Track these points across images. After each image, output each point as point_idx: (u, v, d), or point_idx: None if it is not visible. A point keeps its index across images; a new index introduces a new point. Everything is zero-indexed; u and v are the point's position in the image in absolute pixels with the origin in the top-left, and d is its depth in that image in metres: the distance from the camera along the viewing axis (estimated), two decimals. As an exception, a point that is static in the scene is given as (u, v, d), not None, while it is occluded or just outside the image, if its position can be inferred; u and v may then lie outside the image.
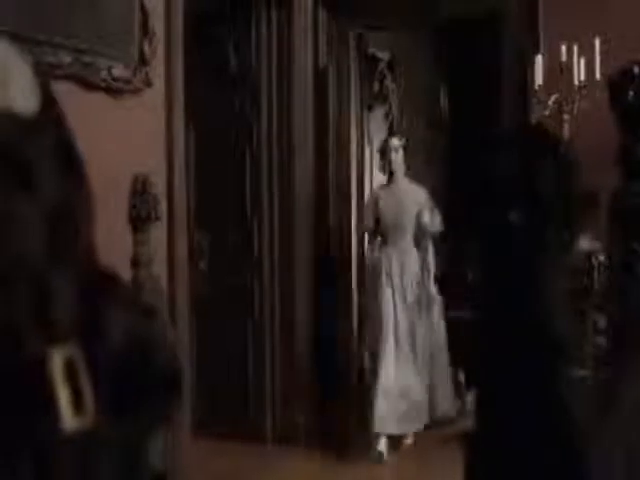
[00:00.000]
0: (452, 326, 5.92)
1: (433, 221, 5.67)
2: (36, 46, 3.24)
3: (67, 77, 3.45)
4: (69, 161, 1.25)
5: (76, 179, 1.24)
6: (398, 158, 5.50)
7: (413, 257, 5.79)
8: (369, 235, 5.97)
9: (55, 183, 1.17)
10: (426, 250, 5.82)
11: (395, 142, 5.44)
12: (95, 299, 1.29)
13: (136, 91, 3.90)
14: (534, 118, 5.06)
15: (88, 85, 3.62)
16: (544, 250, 4.45)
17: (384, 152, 5.59)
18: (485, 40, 5.78)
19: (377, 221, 5.69)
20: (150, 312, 1.53)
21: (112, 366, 1.38)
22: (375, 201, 5.66)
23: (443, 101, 7.18)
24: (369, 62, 6.22)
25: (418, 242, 5.78)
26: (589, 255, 4.82)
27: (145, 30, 3.93)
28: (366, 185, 6.28)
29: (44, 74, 1.27)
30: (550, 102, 5.01)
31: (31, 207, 1.11)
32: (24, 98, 1.20)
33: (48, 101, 1.26)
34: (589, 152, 4.73)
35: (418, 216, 5.62)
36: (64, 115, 1.31)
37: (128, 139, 3.85)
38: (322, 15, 5.75)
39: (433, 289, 5.94)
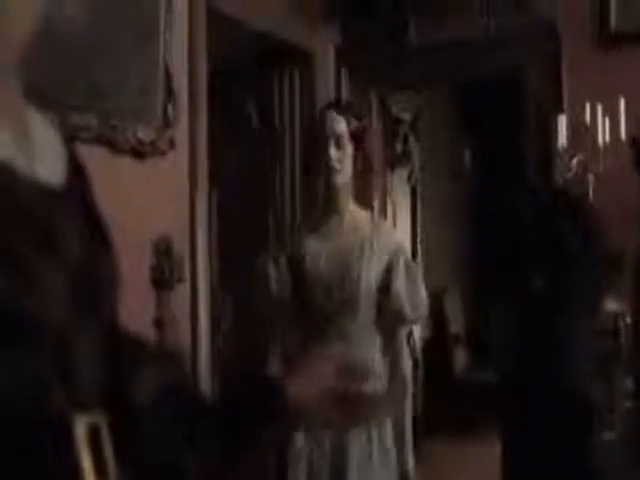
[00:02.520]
0: (477, 389, 5.85)
1: (414, 298, 3.25)
2: (62, 109, 3.26)
3: (92, 140, 3.47)
4: (94, 226, 1.25)
5: (101, 243, 1.25)
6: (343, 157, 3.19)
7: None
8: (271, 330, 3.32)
9: (80, 248, 1.17)
10: (398, 367, 3.21)
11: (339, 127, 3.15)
12: (119, 361, 1.29)
13: (160, 153, 3.91)
14: (558, 179, 5.04)
15: (113, 147, 3.64)
16: (570, 312, 4.41)
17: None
18: (508, 99, 5.78)
19: (295, 294, 3.24)
20: (175, 371, 1.52)
21: (138, 427, 1.38)
22: (292, 258, 3.27)
23: (466, 161, 7.18)
24: (392, 123, 6.23)
25: (387, 343, 3.23)
26: (616, 317, 4.77)
27: (169, 92, 3.95)
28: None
29: (71, 139, 1.28)
30: (574, 162, 4.99)
31: (56, 271, 1.11)
32: (51, 167, 1.21)
33: (75, 168, 1.27)
34: (614, 213, 4.71)
35: (384, 286, 3.20)
36: (90, 180, 1.32)
37: (152, 200, 3.86)
38: (344, 76, 5.78)
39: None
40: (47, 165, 1.19)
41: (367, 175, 3.36)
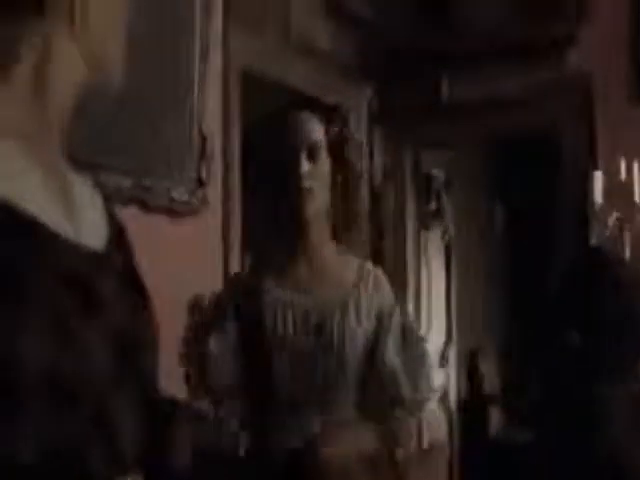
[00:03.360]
0: (513, 450, 5.76)
1: (414, 374, 2.41)
2: (97, 169, 3.27)
3: (126, 200, 3.48)
4: (134, 288, 1.26)
5: (141, 306, 1.26)
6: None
7: None
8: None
9: (121, 311, 1.18)
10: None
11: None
12: (156, 423, 1.29)
13: (194, 212, 3.92)
14: (594, 238, 4.99)
15: (146, 207, 3.65)
16: (605, 375, 4.34)
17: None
18: (542, 156, 5.77)
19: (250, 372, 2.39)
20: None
21: None
22: (244, 317, 2.43)
23: (500, 218, 7.15)
24: (425, 180, 6.22)
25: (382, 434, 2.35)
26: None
27: (203, 152, 3.96)
28: (422, 310, 6.16)
29: (106, 200, 1.30)
30: (610, 221, 4.95)
31: (98, 334, 1.11)
32: (93, 230, 1.22)
33: (116, 229, 1.28)
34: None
35: (372, 357, 2.40)
36: (131, 242, 1.33)
37: (185, 260, 3.86)
38: (377, 133, 5.79)
39: None
40: (89, 228, 1.20)
41: (351, 201, 2.56)
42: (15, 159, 1.11)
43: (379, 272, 2.55)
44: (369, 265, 2.57)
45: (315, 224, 2.44)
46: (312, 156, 2.43)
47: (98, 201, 1.30)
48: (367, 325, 2.40)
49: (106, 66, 1.23)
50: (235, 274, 2.84)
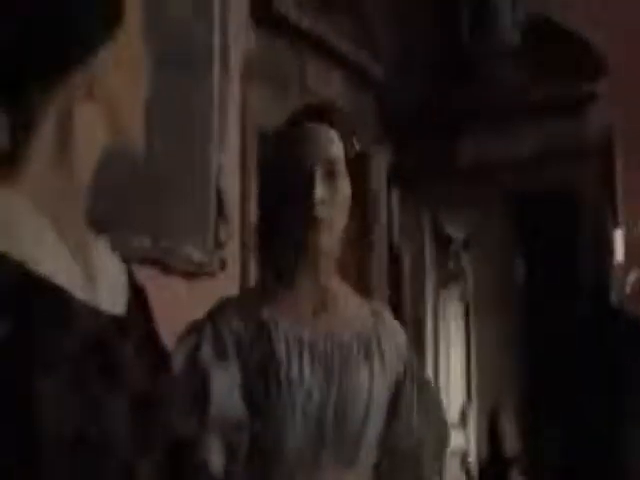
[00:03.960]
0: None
1: (434, 437, 2.17)
2: (115, 230, 3.27)
3: (143, 260, 3.47)
4: (155, 353, 1.28)
5: (161, 371, 1.25)
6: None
7: None
8: None
9: (141, 376, 1.19)
10: None
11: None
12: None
13: (211, 274, 3.91)
14: (614, 296, 4.96)
15: (163, 268, 3.64)
16: (627, 437, 4.28)
17: None
18: (562, 215, 5.75)
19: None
20: None
21: None
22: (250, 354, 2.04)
23: (520, 278, 7.12)
24: (444, 241, 6.21)
25: None
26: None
27: (221, 216, 3.96)
28: (441, 369, 6.11)
29: (124, 261, 1.30)
30: (630, 279, 4.92)
31: (118, 399, 1.12)
32: (113, 294, 1.23)
33: (135, 292, 1.29)
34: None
35: (395, 417, 2.13)
36: (150, 305, 1.33)
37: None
38: (395, 193, 5.79)
39: None
40: (108, 292, 1.21)
41: (366, 233, 2.39)
42: (33, 221, 1.12)
43: (391, 316, 2.23)
44: (380, 306, 2.25)
45: (324, 259, 2.08)
46: (330, 177, 2.05)
47: (118, 264, 1.31)
48: (390, 377, 2.08)
49: (128, 130, 1.24)
50: (227, 299, 2.15)
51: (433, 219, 6.04)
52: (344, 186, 2.11)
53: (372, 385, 2.02)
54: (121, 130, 1.24)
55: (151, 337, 1.30)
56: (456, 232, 6.29)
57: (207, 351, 2.02)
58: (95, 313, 1.14)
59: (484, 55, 5.51)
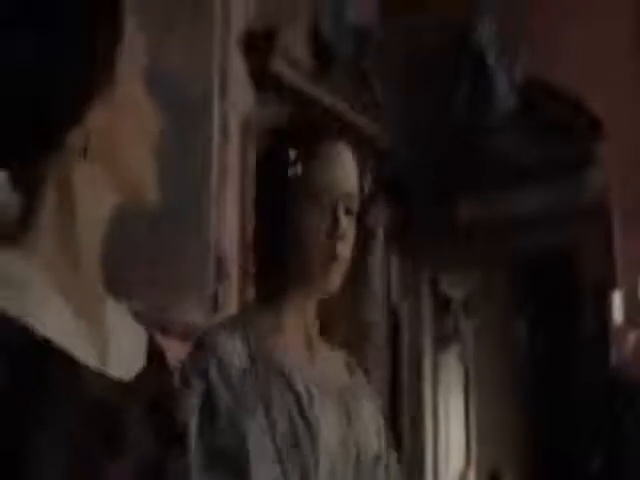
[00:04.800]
0: None
1: None
2: (115, 294, 3.27)
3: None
4: (164, 424, 1.22)
5: (170, 442, 1.21)
6: None
7: None
8: None
9: (146, 447, 1.14)
10: None
11: None
12: None
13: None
14: (614, 357, 4.95)
15: (161, 330, 3.63)
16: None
17: None
18: (560, 276, 5.76)
19: None
20: None
21: None
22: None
23: (520, 339, 7.11)
24: (442, 302, 6.20)
25: None
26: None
27: (219, 275, 3.96)
28: (440, 433, 6.06)
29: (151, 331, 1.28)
30: (630, 339, 4.92)
31: (120, 468, 1.08)
32: (126, 362, 1.19)
33: (153, 357, 1.26)
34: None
35: None
36: (169, 369, 1.29)
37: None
38: (395, 254, 5.80)
39: None
40: (120, 356, 1.18)
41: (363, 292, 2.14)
42: (39, 283, 1.11)
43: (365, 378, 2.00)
44: (354, 363, 1.98)
45: (328, 296, 1.86)
46: (349, 211, 1.81)
47: (135, 328, 1.29)
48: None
49: (139, 186, 1.23)
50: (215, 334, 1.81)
51: (432, 279, 6.04)
52: (352, 224, 1.84)
53: (370, 432, 1.86)
54: (132, 186, 1.22)
55: (163, 404, 1.25)
56: (455, 292, 6.29)
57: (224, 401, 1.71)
58: (98, 377, 1.12)
59: (482, 123, 5.56)
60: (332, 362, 1.88)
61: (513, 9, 5.52)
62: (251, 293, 4.20)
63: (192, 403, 1.68)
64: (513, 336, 7.11)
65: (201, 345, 1.78)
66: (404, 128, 5.58)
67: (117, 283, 3.34)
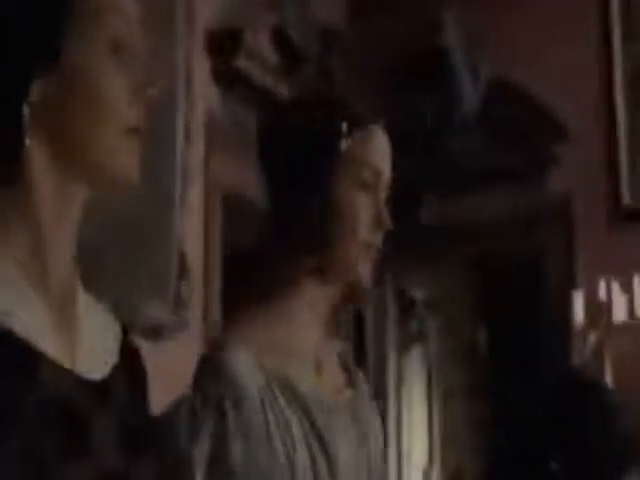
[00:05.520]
0: None
1: None
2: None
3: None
4: (135, 430, 1.19)
5: (140, 450, 1.19)
6: None
7: None
8: None
9: (115, 452, 1.12)
10: None
11: None
12: None
13: (172, 334, 3.89)
14: (575, 358, 4.98)
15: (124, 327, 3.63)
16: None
17: None
18: (523, 277, 5.79)
19: None
20: None
21: None
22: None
23: (482, 341, 7.14)
24: (406, 303, 6.22)
25: None
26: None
27: (183, 273, 3.96)
28: (404, 432, 6.08)
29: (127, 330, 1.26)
30: (590, 341, 4.95)
31: (85, 471, 1.06)
32: (96, 363, 1.18)
33: (127, 355, 1.26)
34: (631, 393, 4.63)
35: None
36: (144, 371, 1.27)
37: (163, 383, 3.81)
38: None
39: None
40: (91, 357, 1.16)
41: None
42: (10, 276, 1.10)
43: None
44: (360, 378, 1.92)
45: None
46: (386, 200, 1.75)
47: (110, 325, 1.29)
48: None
49: (113, 177, 1.21)
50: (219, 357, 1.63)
51: (396, 281, 6.05)
52: None
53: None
54: (102, 175, 1.19)
55: (137, 403, 1.23)
56: (419, 294, 6.31)
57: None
58: (67, 376, 1.09)
59: (447, 125, 5.58)
60: (334, 365, 1.79)
61: (476, 11, 5.54)
62: (216, 290, 4.22)
63: (201, 450, 1.55)
64: (476, 337, 7.14)
65: (211, 370, 1.62)
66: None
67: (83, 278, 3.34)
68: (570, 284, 5.22)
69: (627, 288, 4.97)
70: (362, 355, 5.74)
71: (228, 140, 4.33)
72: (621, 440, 4.35)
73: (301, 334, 1.68)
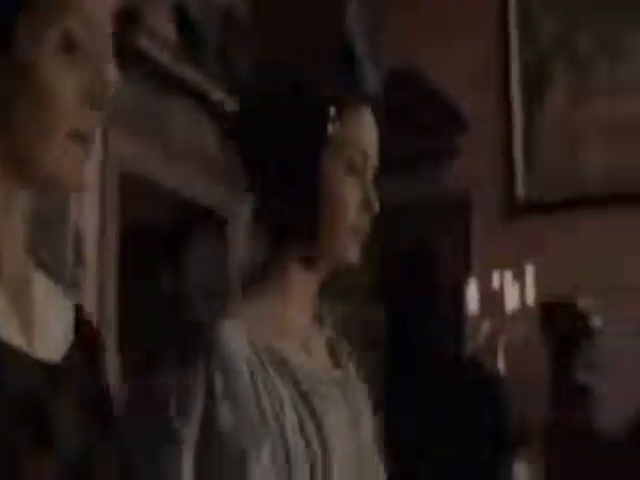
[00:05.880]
0: None
1: None
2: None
3: None
4: (96, 410, 1.16)
5: (101, 431, 1.16)
6: None
7: None
8: None
9: (76, 437, 1.09)
10: None
11: None
12: None
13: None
14: (469, 348, 5.07)
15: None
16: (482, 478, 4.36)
17: None
18: (419, 267, 5.85)
19: None
20: None
21: None
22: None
23: (379, 327, 7.20)
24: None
25: None
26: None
27: (78, 256, 3.91)
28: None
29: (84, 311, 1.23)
30: (483, 330, 5.03)
31: (47, 461, 1.03)
32: (55, 339, 1.14)
33: (85, 336, 1.21)
34: (522, 381, 4.74)
35: None
36: (101, 345, 1.25)
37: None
38: (260, 239, 5.79)
39: None
40: (50, 340, 1.13)
41: None
42: None
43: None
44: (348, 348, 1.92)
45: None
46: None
47: (68, 309, 1.24)
48: None
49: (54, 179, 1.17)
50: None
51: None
52: None
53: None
54: (49, 185, 1.16)
55: (96, 385, 1.19)
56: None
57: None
58: (23, 359, 1.05)
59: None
60: (322, 348, 1.77)
61: (379, 2, 5.59)
62: (110, 274, 4.17)
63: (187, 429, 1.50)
64: (372, 327, 7.20)
65: (203, 342, 1.56)
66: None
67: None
68: (465, 274, 5.30)
69: (520, 278, 5.07)
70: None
71: (128, 120, 4.28)
72: (511, 425, 4.44)
73: (291, 317, 1.68)
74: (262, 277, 1.70)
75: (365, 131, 1.70)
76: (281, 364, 1.58)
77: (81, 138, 1.12)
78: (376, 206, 1.70)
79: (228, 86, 4.94)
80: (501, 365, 4.96)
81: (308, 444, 1.54)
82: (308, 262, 1.68)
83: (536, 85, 5.65)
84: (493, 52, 5.71)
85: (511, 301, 5.04)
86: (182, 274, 5.52)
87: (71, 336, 1.18)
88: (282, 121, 1.67)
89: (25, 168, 1.11)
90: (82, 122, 1.11)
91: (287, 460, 1.50)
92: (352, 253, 1.71)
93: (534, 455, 4.62)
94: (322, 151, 1.64)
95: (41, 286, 1.21)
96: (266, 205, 1.75)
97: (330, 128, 1.63)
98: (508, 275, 5.05)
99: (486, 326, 5.02)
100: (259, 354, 1.57)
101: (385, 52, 5.62)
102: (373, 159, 1.73)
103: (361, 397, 1.80)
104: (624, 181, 5.44)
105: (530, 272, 5.06)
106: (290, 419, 1.54)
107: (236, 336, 1.55)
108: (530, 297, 5.04)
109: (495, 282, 5.07)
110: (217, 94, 4.94)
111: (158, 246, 5.57)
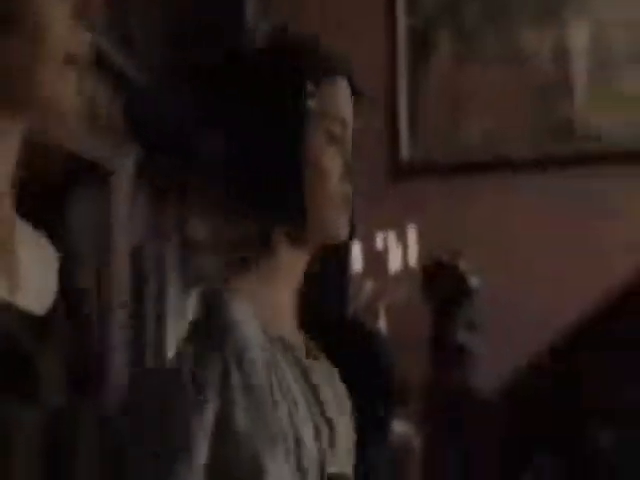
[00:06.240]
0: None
1: None
2: None
3: None
4: (79, 367, 1.15)
5: (84, 387, 1.15)
6: None
7: None
8: None
9: (59, 392, 1.08)
10: None
11: None
12: None
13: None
14: (351, 308, 5.15)
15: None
16: (367, 441, 4.47)
17: None
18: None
19: None
20: None
21: None
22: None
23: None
24: (188, 242, 6.23)
25: None
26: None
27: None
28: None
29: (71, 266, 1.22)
30: (365, 290, 5.13)
31: (30, 417, 1.02)
32: (38, 291, 1.12)
33: (67, 294, 1.19)
34: (403, 340, 4.85)
35: None
36: (85, 297, 1.24)
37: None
38: (144, 194, 5.77)
39: None
40: (33, 289, 1.11)
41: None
42: None
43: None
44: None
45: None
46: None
47: (53, 260, 1.22)
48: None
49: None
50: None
51: (180, 222, 6.05)
52: None
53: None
54: (42, 113, 1.15)
55: (77, 347, 1.16)
56: (200, 236, 6.32)
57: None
58: (11, 316, 1.03)
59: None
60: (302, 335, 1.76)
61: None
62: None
63: (203, 417, 1.45)
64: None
65: (213, 326, 1.53)
66: (166, 70, 5.53)
67: None
68: (349, 235, 5.37)
69: (402, 239, 5.18)
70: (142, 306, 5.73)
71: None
72: (391, 386, 4.56)
73: (282, 301, 1.71)
74: (248, 255, 1.68)
75: (343, 100, 1.71)
76: (290, 353, 1.61)
77: (71, 60, 1.13)
78: (353, 173, 1.71)
79: (119, 42, 4.88)
80: (383, 325, 5.07)
81: (320, 446, 1.55)
82: (296, 239, 1.68)
83: (422, 50, 5.73)
84: (381, 17, 5.76)
85: (394, 262, 5.15)
86: (67, 232, 5.46)
87: (55, 288, 1.17)
88: (261, 96, 1.67)
89: (17, 98, 1.11)
90: (72, 44, 1.14)
91: (299, 460, 1.50)
92: (342, 226, 1.74)
93: (413, 414, 4.75)
94: (304, 125, 1.64)
95: (25, 235, 1.19)
96: (249, 187, 1.69)
97: (309, 103, 1.64)
98: (391, 236, 5.15)
99: (368, 286, 5.10)
100: (272, 343, 1.57)
101: (271, 11, 5.61)
102: (350, 127, 1.73)
103: (338, 381, 1.83)
104: (503, 147, 5.59)
105: (412, 234, 5.17)
106: (303, 417, 1.55)
107: (249, 321, 1.54)
108: (412, 258, 5.15)
109: (379, 243, 5.16)
110: (112, 52, 4.88)
111: (50, 202, 5.49)
